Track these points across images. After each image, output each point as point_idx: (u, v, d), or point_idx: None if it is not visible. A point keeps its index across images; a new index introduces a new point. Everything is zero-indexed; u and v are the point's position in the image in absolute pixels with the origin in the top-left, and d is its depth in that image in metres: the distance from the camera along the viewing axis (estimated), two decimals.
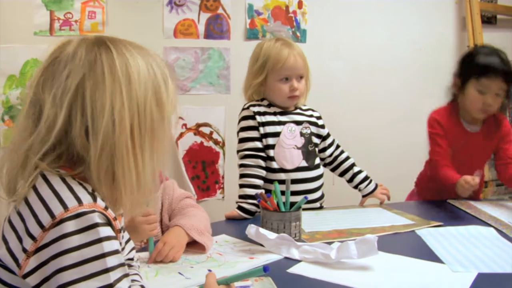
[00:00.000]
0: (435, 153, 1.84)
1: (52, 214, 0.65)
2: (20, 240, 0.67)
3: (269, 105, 1.72)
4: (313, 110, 1.81)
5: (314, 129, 1.76)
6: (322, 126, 1.79)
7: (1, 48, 2.36)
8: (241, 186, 1.65)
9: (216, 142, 2.76)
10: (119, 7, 2.57)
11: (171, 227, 1.25)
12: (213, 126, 2.75)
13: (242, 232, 1.31)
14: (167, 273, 1.10)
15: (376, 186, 1.82)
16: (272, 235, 1.24)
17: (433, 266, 1.15)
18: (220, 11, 2.71)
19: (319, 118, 1.81)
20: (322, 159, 1.82)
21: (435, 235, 1.39)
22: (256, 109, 1.69)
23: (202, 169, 2.75)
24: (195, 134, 2.73)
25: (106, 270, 0.65)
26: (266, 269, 0.84)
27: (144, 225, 1.17)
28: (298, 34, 2.84)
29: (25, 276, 0.66)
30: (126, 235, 0.93)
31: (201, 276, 0.93)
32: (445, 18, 3.14)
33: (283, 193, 1.37)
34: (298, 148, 1.70)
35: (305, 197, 1.34)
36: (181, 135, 2.71)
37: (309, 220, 1.53)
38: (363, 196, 1.82)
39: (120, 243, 0.73)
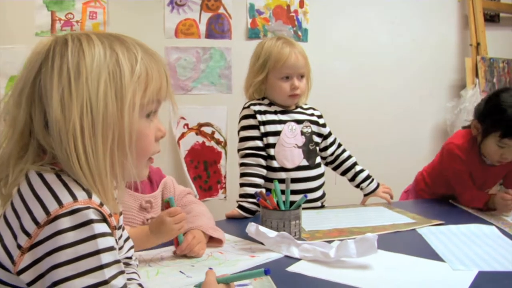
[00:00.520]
0: (460, 186, 1.77)
1: (47, 210, 0.65)
2: (15, 236, 0.67)
3: (270, 104, 1.72)
4: (314, 109, 1.81)
5: (315, 128, 1.75)
6: (323, 125, 1.79)
7: (3, 49, 2.37)
8: (242, 185, 1.65)
9: (218, 142, 2.75)
10: (120, 7, 2.57)
11: (190, 229, 1.26)
12: (215, 125, 2.74)
13: (242, 231, 1.30)
14: (168, 271, 1.10)
15: (378, 185, 1.81)
16: (272, 233, 1.23)
17: (433, 264, 1.15)
18: (221, 10, 2.71)
19: (320, 117, 1.80)
20: (323, 158, 1.81)
21: (436, 234, 1.39)
22: (256, 108, 1.69)
23: (204, 169, 2.75)
24: (197, 134, 2.73)
25: (101, 267, 0.65)
26: (267, 272, 0.83)
27: (172, 225, 1.16)
28: (299, 33, 2.83)
29: (20, 272, 0.66)
30: (125, 234, 0.93)
31: (202, 275, 0.92)
32: (447, 16, 3.13)
33: (283, 192, 1.36)
34: (299, 147, 1.70)
35: (305, 196, 1.34)
36: (183, 135, 2.71)
37: (310, 219, 1.52)
38: (365, 195, 1.82)
39: (116, 240, 0.73)
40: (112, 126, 0.70)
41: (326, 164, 1.83)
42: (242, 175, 1.67)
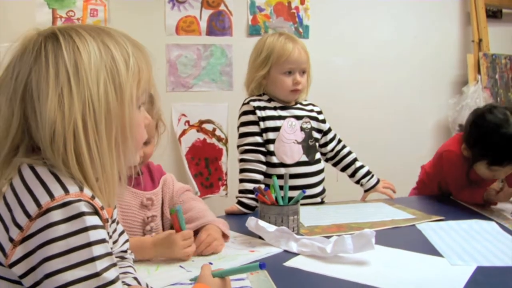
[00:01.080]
0: (458, 189, 1.77)
1: (38, 203, 0.65)
2: (6, 229, 0.67)
3: (269, 100, 1.72)
4: (313, 105, 1.80)
5: (314, 123, 1.75)
6: (323, 121, 1.79)
7: (3, 47, 2.37)
8: (241, 181, 1.65)
9: (219, 139, 2.75)
10: (121, 4, 2.57)
11: (203, 224, 1.26)
12: (216, 123, 2.74)
13: (242, 226, 1.31)
14: (168, 267, 1.11)
15: (378, 181, 1.81)
16: (271, 228, 1.24)
17: (431, 259, 1.14)
18: (222, 7, 2.70)
19: (319, 112, 1.80)
20: (323, 154, 1.81)
21: (436, 229, 1.38)
22: (256, 103, 1.69)
23: (205, 166, 2.75)
24: (198, 131, 2.73)
25: (92, 259, 0.65)
26: (262, 266, 0.83)
27: (182, 249, 1.15)
28: (300, 30, 2.83)
29: (12, 265, 0.66)
30: (119, 228, 0.93)
31: None
32: (449, 12, 3.11)
33: (282, 187, 1.36)
34: (299, 143, 1.70)
35: (303, 191, 1.34)
36: (184, 132, 2.71)
37: (309, 215, 1.52)
38: (365, 191, 1.82)
39: (108, 233, 0.73)
40: (115, 121, 0.72)
41: (326, 160, 1.83)
42: (242, 171, 1.67)
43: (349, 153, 1.83)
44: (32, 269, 0.65)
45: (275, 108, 1.71)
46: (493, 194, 1.66)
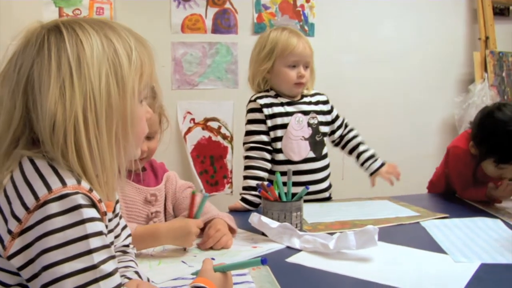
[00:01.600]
0: (462, 186, 1.76)
1: (36, 196, 0.66)
2: (5, 221, 0.67)
3: (276, 96, 1.71)
4: (320, 94, 1.79)
5: (321, 117, 1.74)
6: (329, 112, 1.78)
7: (11, 45, 2.38)
8: (245, 177, 1.65)
9: (224, 137, 2.75)
10: (127, 3, 2.57)
11: (209, 218, 1.26)
12: (221, 120, 2.74)
13: (245, 223, 1.31)
14: (170, 261, 1.11)
15: (383, 164, 1.77)
16: (274, 224, 1.23)
17: (435, 256, 1.14)
18: (227, 5, 2.70)
19: (326, 102, 1.78)
20: (332, 141, 1.82)
21: (440, 227, 1.37)
22: (263, 101, 1.68)
23: (211, 164, 2.75)
24: (203, 128, 2.73)
25: (90, 251, 0.65)
26: (264, 261, 0.83)
27: (195, 230, 1.16)
28: (306, 28, 2.82)
29: (10, 257, 0.66)
30: (122, 222, 0.93)
31: None
32: (455, 10, 3.09)
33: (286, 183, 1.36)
34: (306, 139, 1.69)
35: (306, 187, 1.33)
36: (189, 129, 2.71)
37: (313, 212, 1.52)
38: (370, 175, 1.78)
39: (107, 226, 0.73)
40: (116, 115, 0.72)
41: (335, 145, 1.83)
42: (246, 168, 1.67)
43: (354, 137, 1.81)
44: (31, 261, 0.65)
45: (282, 104, 1.70)
46: (493, 188, 1.65)
